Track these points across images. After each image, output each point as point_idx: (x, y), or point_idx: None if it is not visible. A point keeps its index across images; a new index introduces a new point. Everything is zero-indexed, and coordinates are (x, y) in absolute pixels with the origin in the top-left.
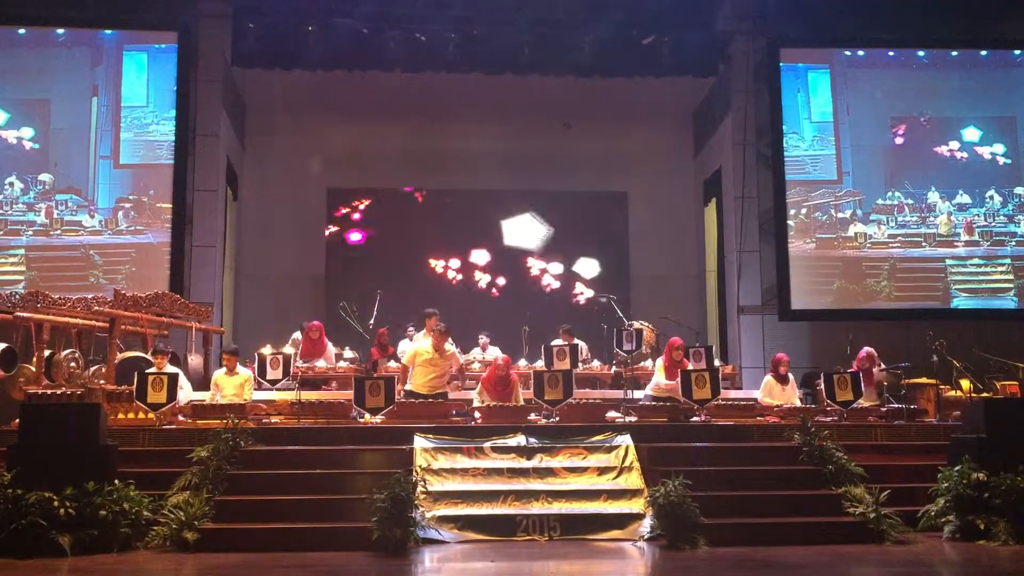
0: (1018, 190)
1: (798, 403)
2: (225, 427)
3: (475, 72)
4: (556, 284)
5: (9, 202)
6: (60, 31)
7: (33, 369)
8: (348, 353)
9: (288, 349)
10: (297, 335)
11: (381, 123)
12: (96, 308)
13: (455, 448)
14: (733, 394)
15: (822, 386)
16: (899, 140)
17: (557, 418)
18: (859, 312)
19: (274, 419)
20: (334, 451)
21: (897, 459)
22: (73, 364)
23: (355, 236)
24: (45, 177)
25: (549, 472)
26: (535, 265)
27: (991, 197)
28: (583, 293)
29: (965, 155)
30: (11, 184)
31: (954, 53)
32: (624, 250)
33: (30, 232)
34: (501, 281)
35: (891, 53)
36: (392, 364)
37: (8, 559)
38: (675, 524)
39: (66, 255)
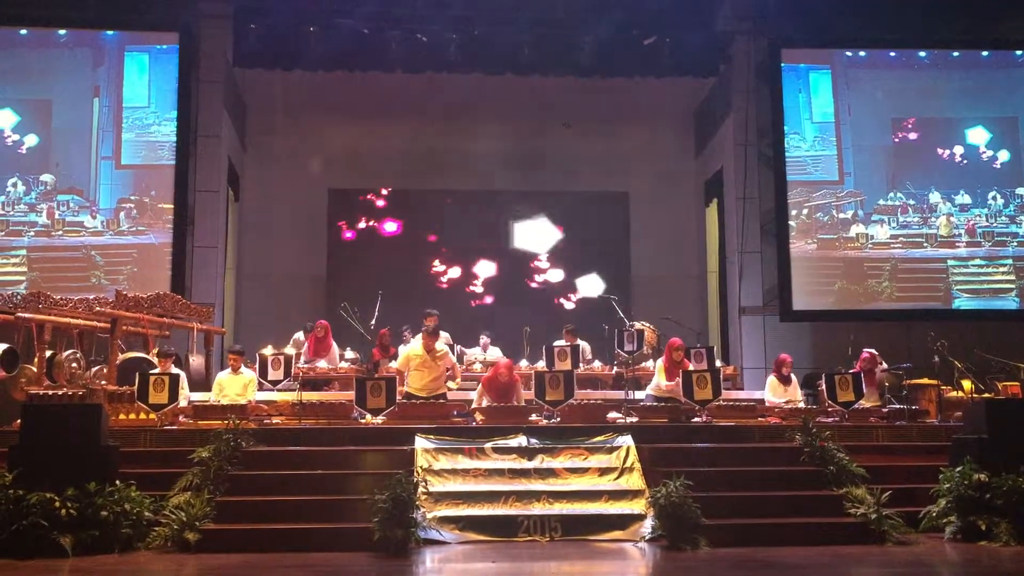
0: (1020, 190)
1: (801, 404)
2: (226, 428)
3: (476, 72)
4: (555, 279)
5: (11, 203)
6: (62, 32)
7: (35, 370)
8: (349, 354)
9: (289, 350)
10: (298, 335)
11: (382, 123)
12: (97, 309)
13: (456, 449)
14: (735, 395)
15: (823, 387)
16: (900, 140)
17: (558, 419)
18: (860, 313)
19: (275, 420)
20: (335, 452)
21: (898, 460)
22: (74, 365)
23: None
24: (47, 178)
25: (550, 473)
26: (536, 266)
27: (993, 198)
28: (578, 294)
29: (966, 159)
30: (13, 185)
31: (955, 53)
32: (625, 251)
33: (32, 233)
34: (501, 281)
35: (892, 53)
36: (393, 365)
37: (9, 559)
38: (676, 525)
39: (68, 256)
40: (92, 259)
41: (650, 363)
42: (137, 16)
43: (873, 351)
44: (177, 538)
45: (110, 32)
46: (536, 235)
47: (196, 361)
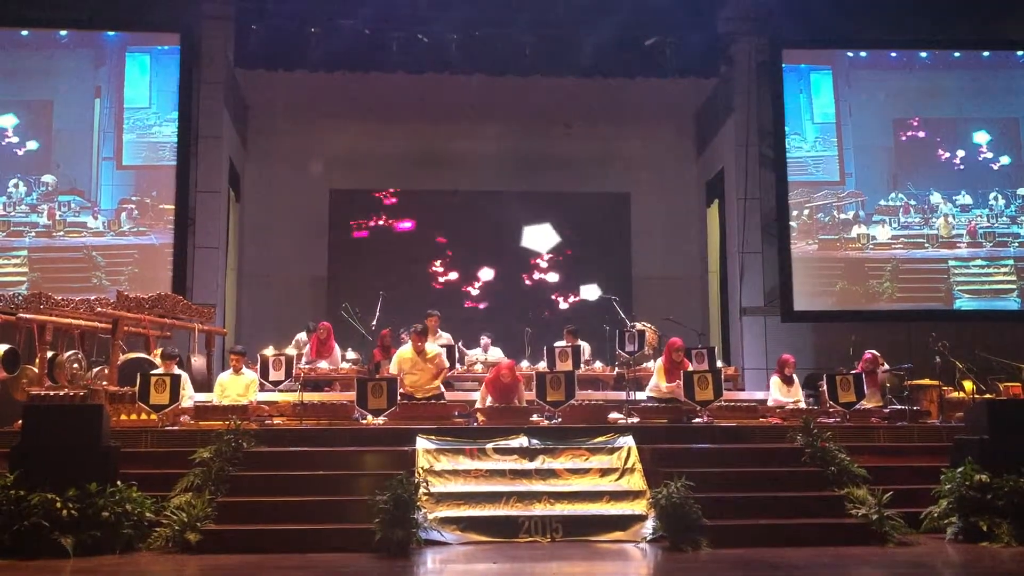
0: (1021, 191)
1: (803, 404)
2: (228, 428)
3: (477, 73)
4: (555, 280)
5: (12, 204)
6: (63, 33)
7: (36, 370)
8: (350, 354)
9: (291, 350)
10: (301, 335)
11: (383, 124)
12: (99, 309)
13: (457, 449)
14: (736, 396)
15: (825, 387)
16: (903, 141)
17: (559, 419)
18: (862, 313)
19: (277, 420)
20: (336, 452)
21: (900, 460)
22: (76, 365)
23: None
24: (48, 179)
25: (551, 473)
26: (537, 266)
27: (994, 198)
28: (578, 296)
29: (967, 160)
30: (15, 186)
31: (957, 54)
32: (626, 251)
33: (33, 233)
34: (501, 282)
35: (893, 54)
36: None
37: (11, 560)
38: (677, 525)
39: (69, 256)
40: (93, 260)
41: (651, 364)
42: (138, 17)
43: (875, 352)
44: (178, 539)
45: (111, 33)
46: (539, 237)
47: (198, 362)
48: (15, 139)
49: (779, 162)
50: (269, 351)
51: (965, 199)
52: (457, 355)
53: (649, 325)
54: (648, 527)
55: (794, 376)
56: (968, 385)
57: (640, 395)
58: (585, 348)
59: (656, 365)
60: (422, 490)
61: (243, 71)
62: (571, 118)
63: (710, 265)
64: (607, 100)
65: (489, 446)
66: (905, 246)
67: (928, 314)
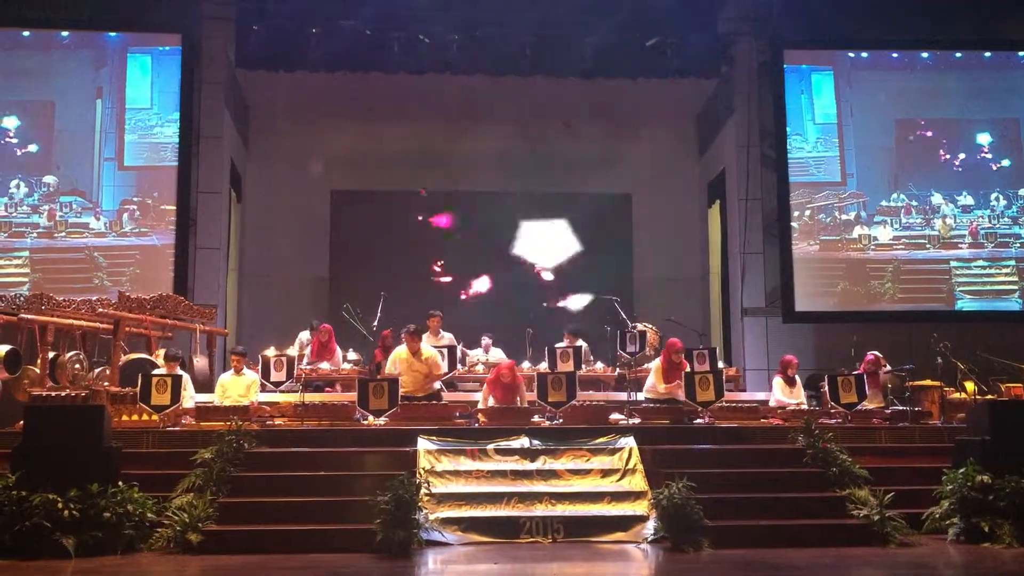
0: (1022, 192)
1: (805, 405)
2: (229, 429)
3: (478, 74)
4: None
5: (14, 204)
6: (64, 33)
7: (37, 371)
8: (351, 355)
9: (293, 350)
10: (304, 335)
11: (384, 125)
12: (100, 310)
13: (458, 450)
14: (737, 396)
15: (826, 388)
16: (905, 142)
17: (561, 420)
18: (863, 314)
19: (278, 421)
20: (337, 453)
21: (901, 461)
22: (77, 366)
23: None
24: (49, 179)
25: (552, 474)
26: (538, 267)
27: (996, 199)
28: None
29: (968, 160)
30: (16, 186)
31: (958, 55)
32: (628, 252)
33: (34, 234)
34: (500, 283)
35: (895, 55)
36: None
37: (12, 560)
38: (679, 526)
39: (70, 257)
40: (95, 260)
41: (653, 364)
42: (139, 18)
43: (877, 353)
44: (180, 539)
45: (113, 34)
46: (541, 239)
47: (200, 362)
48: (15, 140)
49: (780, 163)
50: (271, 352)
51: (966, 200)
52: (459, 355)
53: (650, 326)
54: (649, 528)
55: (796, 377)
56: (970, 386)
57: (642, 396)
58: (584, 348)
59: (654, 366)
60: (423, 491)
61: (244, 71)
62: (572, 119)
63: (711, 266)
64: (608, 101)
65: (490, 447)
66: (906, 247)
67: (930, 315)
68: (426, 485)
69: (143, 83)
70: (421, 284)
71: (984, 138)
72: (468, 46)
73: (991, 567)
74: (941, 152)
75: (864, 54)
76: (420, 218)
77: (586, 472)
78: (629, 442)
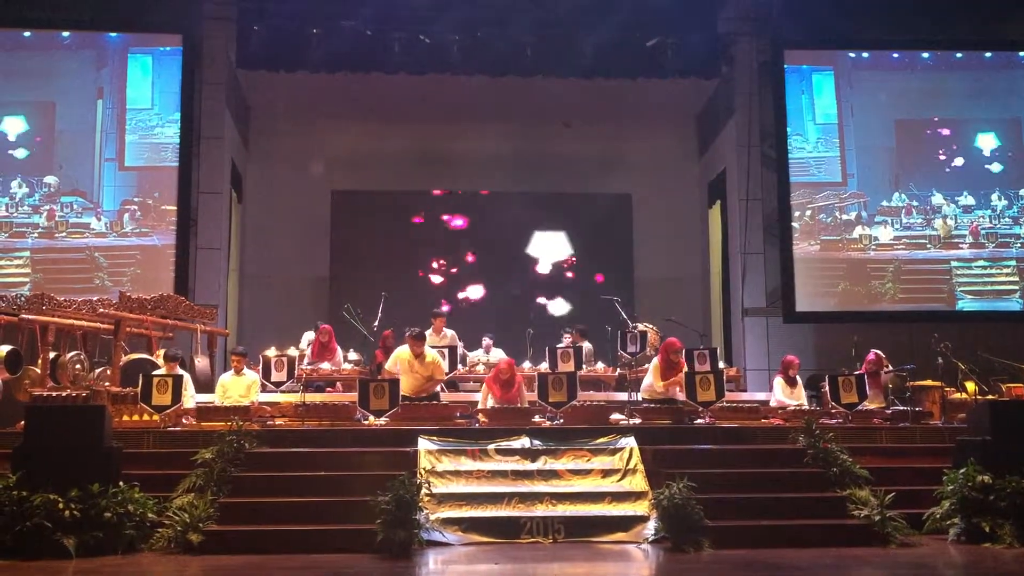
0: (1023, 192)
1: (806, 405)
2: (230, 429)
3: (478, 74)
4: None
5: (14, 204)
6: (65, 34)
7: (38, 371)
8: (352, 355)
9: (296, 351)
10: (309, 334)
11: (385, 125)
12: (101, 310)
13: (459, 450)
14: (738, 396)
15: (827, 388)
16: (904, 142)
17: (561, 420)
18: (864, 314)
19: (278, 421)
20: (338, 453)
21: (902, 461)
22: (78, 366)
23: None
24: (50, 179)
25: (553, 474)
26: (539, 268)
27: (997, 199)
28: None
29: (969, 161)
30: (17, 186)
31: (959, 55)
32: (628, 252)
33: (35, 234)
34: (501, 283)
35: (895, 55)
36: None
37: (13, 560)
38: (679, 526)
39: (71, 257)
40: (95, 261)
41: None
42: (140, 18)
43: (879, 352)
44: (180, 539)
45: (113, 34)
46: (541, 239)
47: (201, 363)
48: (16, 140)
49: (781, 163)
50: (271, 352)
51: (967, 200)
52: (460, 355)
53: (651, 326)
54: (650, 528)
55: (798, 378)
56: (970, 386)
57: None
58: (586, 348)
59: (651, 365)
60: (424, 491)
61: (245, 72)
62: (572, 119)
63: (712, 266)
64: (608, 101)
65: (491, 447)
66: (907, 247)
67: (930, 315)
68: (427, 485)
69: (144, 83)
70: (421, 284)
71: (985, 138)
72: (468, 46)
73: (992, 567)
74: (942, 152)
75: (865, 54)
76: (420, 219)
77: (587, 472)
78: (630, 442)
